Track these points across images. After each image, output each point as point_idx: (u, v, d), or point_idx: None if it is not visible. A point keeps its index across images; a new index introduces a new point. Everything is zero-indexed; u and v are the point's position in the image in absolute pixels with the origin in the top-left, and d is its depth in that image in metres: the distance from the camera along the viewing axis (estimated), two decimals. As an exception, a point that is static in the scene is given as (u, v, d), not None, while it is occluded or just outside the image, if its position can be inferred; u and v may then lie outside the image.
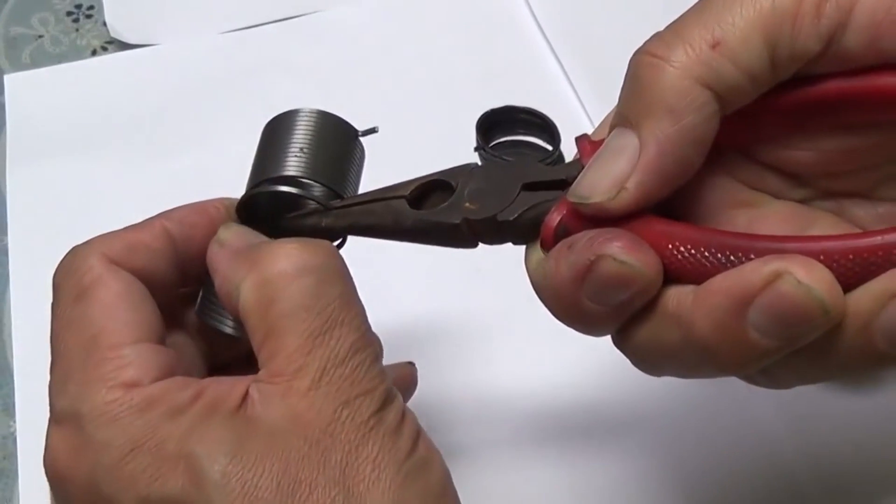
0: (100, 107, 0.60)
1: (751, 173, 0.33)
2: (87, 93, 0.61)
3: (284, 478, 0.29)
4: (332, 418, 0.30)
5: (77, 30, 0.65)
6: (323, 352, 0.31)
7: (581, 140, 0.33)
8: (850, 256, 0.27)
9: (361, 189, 0.37)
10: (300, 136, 0.35)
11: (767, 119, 0.31)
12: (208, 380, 0.32)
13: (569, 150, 0.53)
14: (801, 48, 0.29)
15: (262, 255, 0.32)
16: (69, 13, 0.66)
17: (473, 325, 0.49)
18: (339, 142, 0.36)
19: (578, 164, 0.31)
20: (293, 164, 0.35)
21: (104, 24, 0.64)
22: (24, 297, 0.52)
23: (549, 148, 0.53)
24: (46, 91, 0.61)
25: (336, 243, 0.35)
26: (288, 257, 0.32)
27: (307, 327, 0.31)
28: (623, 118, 0.30)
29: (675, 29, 0.30)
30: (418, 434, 0.32)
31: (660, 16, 0.62)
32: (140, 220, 0.52)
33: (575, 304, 0.30)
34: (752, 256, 0.28)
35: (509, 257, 0.34)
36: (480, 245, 0.34)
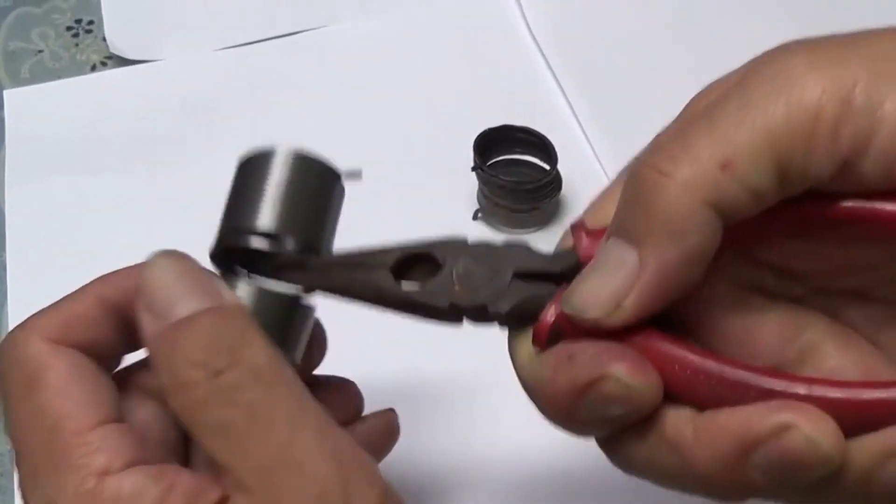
0: (99, 122, 0.60)
1: (745, 273, 0.32)
2: (87, 108, 0.61)
3: None
4: None
5: (77, 45, 0.66)
6: (254, 459, 0.29)
7: (577, 229, 0.32)
8: (855, 408, 0.27)
9: (346, 229, 0.35)
10: (275, 183, 0.33)
11: (768, 226, 0.30)
12: (181, 471, 0.31)
13: (565, 169, 0.53)
14: (813, 171, 0.28)
15: (176, 368, 0.30)
16: (69, 28, 0.67)
17: (453, 386, 0.48)
18: (317, 189, 0.34)
19: (574, 256, 0.31)
20: (266, 217, 0.32)
21: (104, 39, 0.65)
22: (22, 314, 0.51)
23: (546, 167, 0.53)
24: (46, 107, 0.62)
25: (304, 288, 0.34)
26: (195, 378, 0.30)
27: (230, 442, 0.29)
28: (622, 231, 0.29)
29: (682, 142, 0.28)
30: None
31: (658, 37, 0.63)
32: (137, 236, 0.53)
33: (569, 412, 0.29)
34: (753, 394, 0.28)
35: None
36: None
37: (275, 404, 0.30)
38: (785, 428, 0.27)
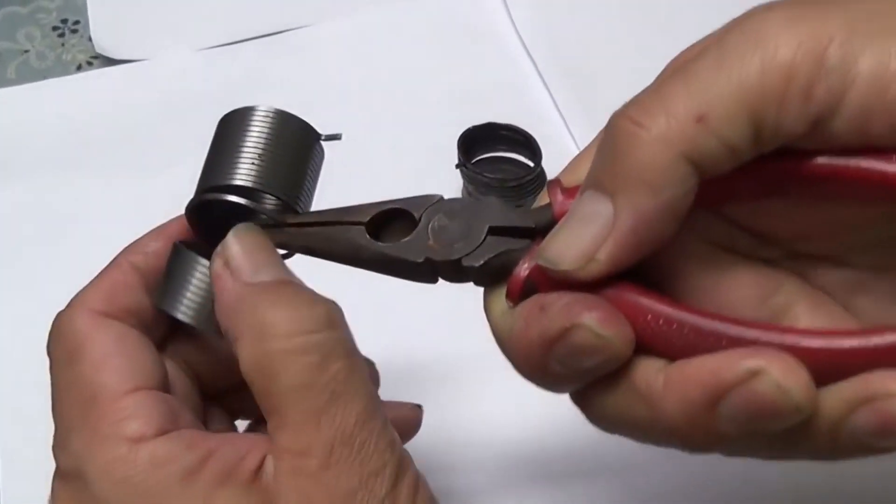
0: (86, 122, 0.61)
1: (720, 232, 0.32)
2: (73, 108, 0.61)
3: None
4: (347, 498, 0.30)
5: (63, 45, 0.66)
6: (328, 429, 0.30)
7: (553, 186, 0.32)
8: (826, 357, 0.27)
9: (325, 196, 0.35)
10: (255, 139, 0.33)
11: (743, 184, 0.30)
12: (216, 439, 0.31)
13: (549, 166, 0.54)
14: (786, 128, 0.28)
15: (264, 318, 0.31)
16: (55, 28, 0.67)
17: (463, 364, 0.49)
18: (297, 148, 0.34)
19: (548, 211, 0.31)
20: (244, 173, 0.32)
21: (90, 39, 0.65)
22: (9, 314, 0.52)
23: (531, 164, 0.53)
24: (32, 107, 0.62)
25: (284, 253, 0.34)
26: (289, 329, 0.30)
27: (311, 405, 0.30)
28: (597, 183, 0.29)
29: (658, 95, 0.28)
30: (428, 499, 0.32)
31: (642, 34, 0.63)
32: (124, 235, 0.53)
33: (540, 365, 0.29)
34: (725, 343, 0.27)
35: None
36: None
37: (358, 381, 0.31)
38: (754, 374, 0.26)
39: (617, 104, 0.60)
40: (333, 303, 0.32)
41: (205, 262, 0.33)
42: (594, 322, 0.28)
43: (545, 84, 0.61)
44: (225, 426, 0.37)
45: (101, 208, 0.56)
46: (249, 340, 0.30)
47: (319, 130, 0.35)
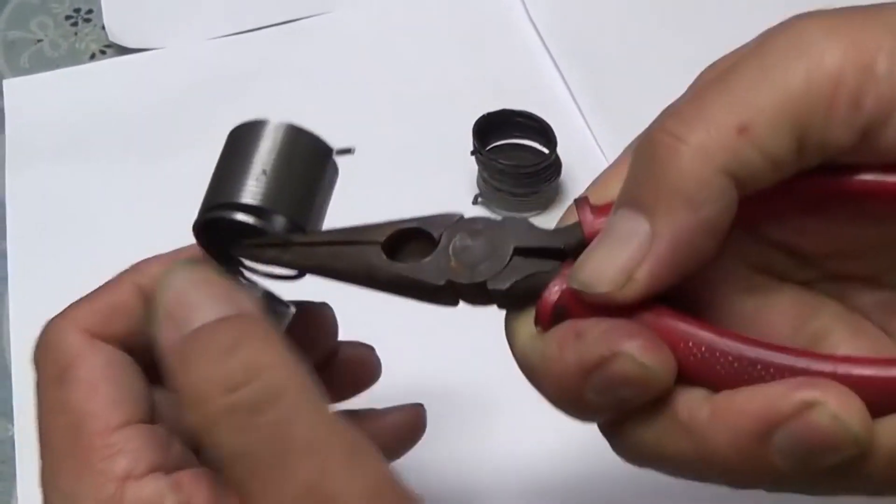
0: (99, 111, 0.60)
1: (756, 252, 0.31)
2: (86, 97, 0.61)
3: None
4: None
5: (76, 34, 0.66)
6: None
7: (581, 204, 0.30)
8: (882, 386, 0.26)
9: (343, 182, 0.33)
10: (264, 155, 0.32)
11: (781, 200, 0.29)
12: (204, 481, 0.30)
13: (564, 153, 0.53)
14: (833, 140, 0.26)
15: (187, 380, 0.28)
16: (68, 17, 0.66)
17: (475, 391, 0.48)
18: (308, 164, 0.32)
19: (578, 231, 0.29)
20: (252, 191, 0.31)
21: (103, 28, 0.65)
22: (22, 301, 0.52)
23: (546, 151, 0.53)
24: (46, 96, 0.62)
25: (293, 274, 0.33)
26: (209, 391, 0.27)
27: (256, 472, 0.27)
28: (633, 200, 0.27)
29: (697, 106, 0.27)
30: None
31: (658, 21, 0.62)
32: (136, 223, 0.54)
33: (575, 394, 0.28)
34: (772, 372, 0.26)
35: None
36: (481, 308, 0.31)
37: (298, 429, 0.27)
38: (810, 406, 0.25)
39: (631, 92, 0.60)
40: (261, 318, 0.30)
41: None
42: (636, 350, 0.26)
43: (560, 72, 0.61)
44: None
45: (114, 197, 0.56)
46: (185, 404, 0.28)
47: (332, 137, 0.33)
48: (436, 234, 0.31)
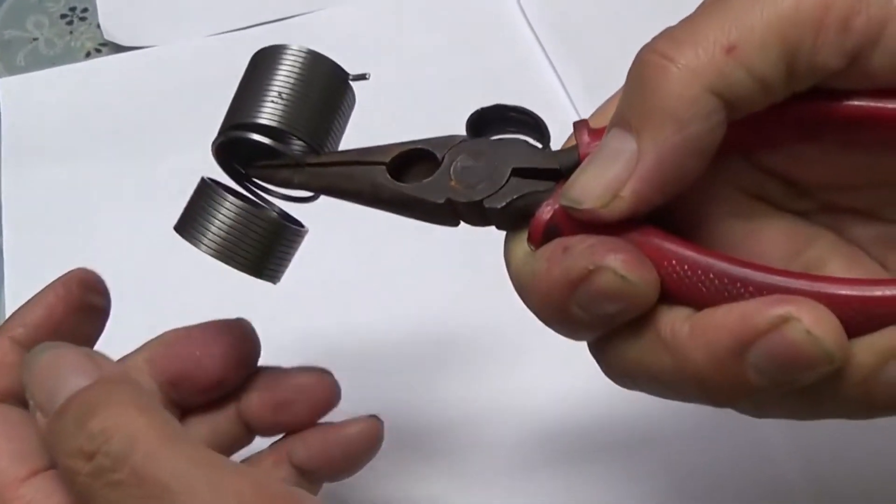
0: (94, 109, 0.61)
1: (751, 179, 0.31)
2: (82, 95, 0.61)
3: None
4: None
5: (71, 32, 0.66)
6: None
7: (579, 126, 0.31)
8: (858, 305, 0.26)
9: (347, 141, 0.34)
10: (283, 78, 0.32)
11: (775, 126, 0.29)
12: None
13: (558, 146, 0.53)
14: (822, 62, 0.27)
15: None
16: (63, 16, 0.67)
17: (479, 337, 0.49)
18: (325, 89, 0.33)
19: (574, 153, 0.30)
20: (269, 112, 0.32)
21: (98, 26, 0.65)
22: (19, 297, 0.52)
23: (539, 146, 0.53)
24: (41, 94, 0.62)
25: (307, 196, 0.34)
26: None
27: None
28: (622, 119, 0.28)
29: (688, 27, 0.27)
30: None
31: (651, 16, 0.62)
32: (132, 222, 0.54)
33: (561, 308, 0.28)
34: (752, 290, 0.27)
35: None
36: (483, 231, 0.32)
37: (159, 472, 0.28)
38: (784, 320, 0.25)
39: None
40: (112, 378, 0.31)
41: (231, 197, 0.33)
42: (619, 264, 0.27)
43: (553, 67, 0.61)
44: None
45: (110, 194, 0.56)
46: (64, 480, 0.30)
47: (339, 64, 0.35)
48: (439, 155, 0.32)
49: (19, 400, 0.32)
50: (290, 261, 0.35)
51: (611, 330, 0.29)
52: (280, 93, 0.32)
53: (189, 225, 0.34)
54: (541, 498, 0.44)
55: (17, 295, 0.53)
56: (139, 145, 0.59)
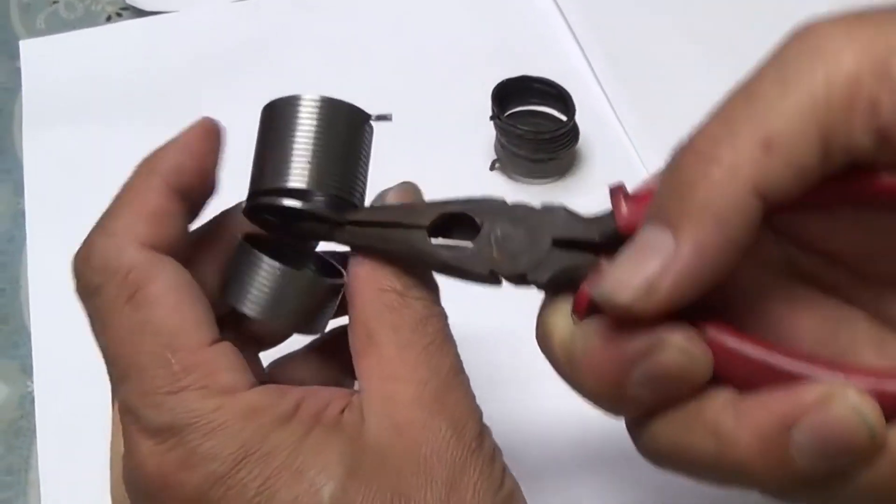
0: (114, 73, 0.61)
1: (784, 254, 0.31)
2: (102, 59, 0.61)
3: (395, 498, 0.29)
4: (438, 436, 0.30)
5: (92, -4, 0.66)
6: (426, 367, 0.30)
7: (615, 193, 0.31)
8: (890, 395, 0.26)
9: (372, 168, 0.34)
10: (304, 134, 0.32)
11: (808, 203, 0.28)
12: (300, 390, 0.31)
13: (582, 122, 0.53)
14: (855, 143, 0.26)
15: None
16: (84, -21, 0.66)
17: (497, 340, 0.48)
18: (347, 137, 0.32)
19: (611, 220, 0.30)
20: (297, 174, 0.32)
21: (119, -10, 0.65)
22: (40, 259, 0.52)
23: (564, 118, 0.53)
24: (61, 57, 0.62)
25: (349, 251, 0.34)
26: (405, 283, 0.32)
27: (414, 340, 0.31)
28: (660, 215, 0.28)
29: (723, 122, 0.27)
30: (505, 466, 0.31)
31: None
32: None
33: (615, 384, 0.28)
34: (791, 377, 0.27)
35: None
36: None
37: (452, 343, 0.32)
38: (830, 397, 0.26)
39: (648, 61, 0.60)
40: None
41: (266, 259, 0.33)
42: (681, 340, 0.27)
43: (577, 41, 0.61)
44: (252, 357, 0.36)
45: (129, 158, 0.56)
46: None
47: (357, 106, 0.33)
48: (478, 220, 0.32)
49: (181, 254, 0.32)
50: (332, 312, 0.35)
51: (653, 409, 0.29)
52: (304, 150, 0.32)
53: (232, 287, 0.33)
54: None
55: (40, 255, 0.53)
56: (158, 109, 0.58)
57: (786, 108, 0.26)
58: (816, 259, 0.31)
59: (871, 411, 0.26)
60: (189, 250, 0.33)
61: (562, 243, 0.31)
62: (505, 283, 0.32)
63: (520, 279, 0.31)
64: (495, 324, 0.45)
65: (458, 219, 0.32)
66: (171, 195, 0.32)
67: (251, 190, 0.33)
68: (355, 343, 0.32)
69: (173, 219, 0.32)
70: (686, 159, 0.27)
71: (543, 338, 0.31)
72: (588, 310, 0.30)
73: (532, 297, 0.32)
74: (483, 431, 0.31)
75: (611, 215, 0.30)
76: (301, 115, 0.32)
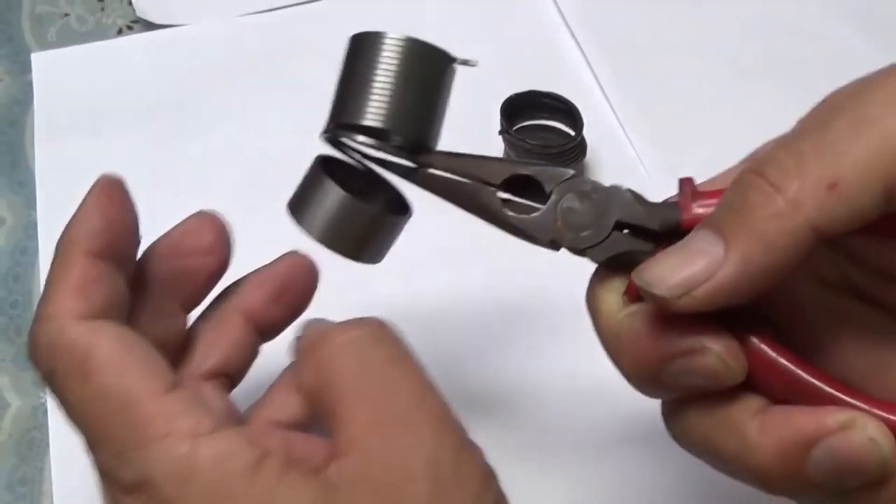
0: (125, 86, 0.61)
1: (839, 268, 0.32)
2: (113, 72, 0.62)
3: None
4: (413, 475, 0.29)
5: (103, 9, 0.66)
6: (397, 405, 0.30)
7: (684, 184, 0.32)
8: None
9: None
10: (386, 75, 0.32)
11: (866, 230, 0.29)
12: (273, 430, 0.32)
13: (589, 136, 0.54)
14: None
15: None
16: (95, -8, 0.67)
17: (510, 317, 0.49)
18: (429, 80, 0.33)
19: (675, 212, 0.31)
20: (375, 113, 0.32)
21: (130, 3, 0.65)
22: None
23: (572, 133, 0.53)
24: (73, 70, 0.62)
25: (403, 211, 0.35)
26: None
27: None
28: (716, 224, 0.29)
29: (795, 153, 0.28)
30: (498, 492, 0.31)
31: (680, 5, 0.62)
32: (162, 198, 0.53)
33: (652, 373, 0.30)
34: (821, 400, 0.29)
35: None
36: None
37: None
38: (851, 425, 0.28)
39: (654, 76, 0.60)
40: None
41: (334, 185, 0.33)
42: (723, 349, 0.29)
43: (584, 55, 0.61)
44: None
45: (140, 171, 0.56)
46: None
47: (441, 48, 0.34)
48: (547, 188, 0.33)
49: (118, 312, 0.33)
50: (390, 246, 0.35)
51: (686, 397, 0.31)
52: (383, 88, 0.32)
53: (298, 207, 0.34)
54: (568, 480, 0.45)
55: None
56: (168, 123, 0.59)
57: (855, 152, 0.27)
58: (872, 277, 0.32)
59: (886, 443, 0.28)
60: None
61: (624, 226, 0.32)
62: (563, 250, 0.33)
63: (579, 252, 0.32)
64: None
65: (528, 181, 0.33)
66: (93, 262, 0.33)
67: (331, 118, 0.33)
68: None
69: (102, 282, 0.33)
70: (754, 181, 0.28)
71: (592, 308, 0.32)
72: (638, 296, 0.31)
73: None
74: (461, 458, 0.30)
75: (675, 206, 0.31)
76: (385, 53, 0.33)
